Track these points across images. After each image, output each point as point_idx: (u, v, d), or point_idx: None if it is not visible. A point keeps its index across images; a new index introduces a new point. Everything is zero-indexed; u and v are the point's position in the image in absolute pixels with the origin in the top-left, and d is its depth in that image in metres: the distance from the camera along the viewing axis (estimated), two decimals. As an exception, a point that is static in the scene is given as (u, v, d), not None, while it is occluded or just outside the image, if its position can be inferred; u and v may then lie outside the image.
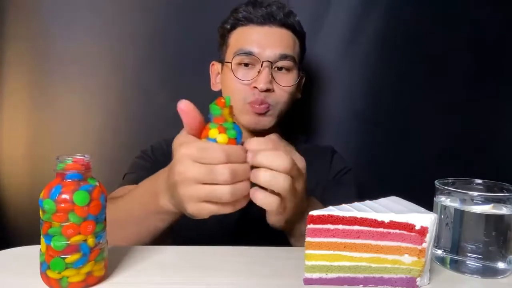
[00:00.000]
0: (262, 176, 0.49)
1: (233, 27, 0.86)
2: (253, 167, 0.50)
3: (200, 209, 0.49)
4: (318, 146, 0.98)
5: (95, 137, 1.12)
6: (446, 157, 1.10)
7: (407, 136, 1.11)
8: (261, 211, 0.59)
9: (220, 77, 0.90)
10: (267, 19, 0.82)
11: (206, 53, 1.07)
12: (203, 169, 0.47)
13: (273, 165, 0.49)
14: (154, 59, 1.10)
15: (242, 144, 0.51)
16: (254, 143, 0.51)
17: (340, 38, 1.08)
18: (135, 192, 0.62)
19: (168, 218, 0.58)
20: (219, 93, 0.90)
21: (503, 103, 1.12)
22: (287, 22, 0.84)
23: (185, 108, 0.49)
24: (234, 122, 0.51)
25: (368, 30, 1.08)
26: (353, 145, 1.11)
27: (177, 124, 1.00)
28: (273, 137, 0.54)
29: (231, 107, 0.51)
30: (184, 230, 0.81)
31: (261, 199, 0.50)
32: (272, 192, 0.50)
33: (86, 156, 0.47)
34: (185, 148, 0.49)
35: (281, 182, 0.49)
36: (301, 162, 0.54)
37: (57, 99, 1.10)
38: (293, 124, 0.96)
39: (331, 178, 0.88)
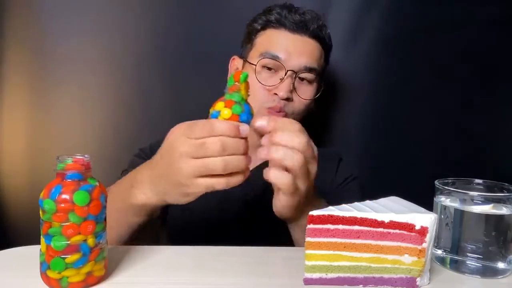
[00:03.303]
0: (274, 152, 0.51)
1: (263, 28, 0.84)
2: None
3: (197, 185, 0.51)
4: (325, 151, 0.97)
5: (95, 137, 1.12)
6: (446, 157, 1.10)
7: (408, 136, 1.11)
8: (266, 210, 0.59)
9: None
10: (300, 28, 0.81)
11: (206, 53, 1.08)
12: (193, 143, 0.49)
13: (289, 144, 0.51)
14: (154, 59, 1.10)
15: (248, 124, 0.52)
16: (273, 122, 0.52)
17: (341, 39, 1.08)
18: (116, 187, 0.63)
19: (145, 212, 0.59)
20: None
21: (504, 103, 1.12)
22: (318, 34, 0.83)
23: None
24: (246, 101, 0.53)
25: (369, 31, 1.08)
26: (353, 145, 1.11)
27: (176, 124, 1.00)
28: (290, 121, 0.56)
29: (247, 84, 0.53)
30: (184, 230, 0.81)
31: (273, 175, 0.52)
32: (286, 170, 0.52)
33: (86, 156, 0.47)
34: (176, 127, 0.52)
35: (294, 158, 0.51)
36: (315, 149, 0.56)
37: (57, 99, 1.10)
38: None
39: (336, 185, 0.87)
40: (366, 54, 1.09)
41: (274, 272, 0.52)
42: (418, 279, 0.49)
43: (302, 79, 0.82)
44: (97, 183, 0.47)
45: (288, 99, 0.80)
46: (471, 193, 0.55)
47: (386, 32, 1.08)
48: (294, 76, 0.80)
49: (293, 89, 0.81)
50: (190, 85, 1.09)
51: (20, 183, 1.11)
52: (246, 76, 0.53)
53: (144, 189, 0.56)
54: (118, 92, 1.11)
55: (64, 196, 0.44)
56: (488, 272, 0.53)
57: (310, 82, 0.83)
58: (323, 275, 0.49)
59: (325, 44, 0.85)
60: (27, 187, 1.10)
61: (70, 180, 0.45)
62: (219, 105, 0.51)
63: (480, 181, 0.59)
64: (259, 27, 0.85)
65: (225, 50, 0.93)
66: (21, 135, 1.11)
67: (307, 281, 0.49)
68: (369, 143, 1.12)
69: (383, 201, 0.53)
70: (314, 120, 1.10)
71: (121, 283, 0.48)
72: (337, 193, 0.86)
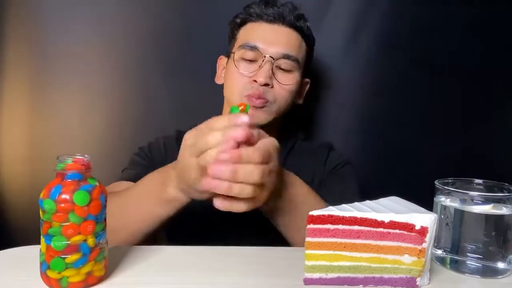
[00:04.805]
0: (231, 189, 0.49)
1: (243, 22, 0.88)
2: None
3: (201, 185, 0.50)
4: (315, 143, 0.98)
5: (95, 137, 1.12)
6: (446, 157, 1.10)
7: (407, 136, 1.11)
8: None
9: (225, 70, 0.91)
10: (277, 19, 0.84)
11: (206, 53, 1.07)
12: (194, 133, 0.52)
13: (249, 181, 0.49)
14: (154, 59, 1.10)
15: None
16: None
17: (341, 38, 1.08)
18: (142, 184, 0.64)
19: (175, 205, 0.60)
20: (221, 86, 0.90)
21: (504, 104, 1.12)
22: (295, 24, 0.85)
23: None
24: None
25: (369, 30, 1.08)
26: (353, 144, 1.11)
27: (177, 124, 1.00)
28: None
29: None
30: (183, 229, 0.81)
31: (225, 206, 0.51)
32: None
33: (86, 156, 0.47)
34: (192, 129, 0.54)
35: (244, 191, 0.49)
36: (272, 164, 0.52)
37: (57, 99, 1.10)
38: (292, 122, 0.96)
39: (327, 171, 0.88)
40: (366, 54, 1.09)
41: (274, 272, 0.52)
42: (418, 279, 0.49)
43: (282, 69, 0.84)
44: (97, 183, 0.47)
45: (267, 85, 0.81)
46: (471, 193, 0.55)
47: (386, 32, 1.08)
48: (272, 62, 0.81)
49: (272, 76, 0.82)
50: (190, 84, 1.09)
51: (20, 183, 1.11)
52: (248, 107, 0.60)
53: (173, 186, 0.58)
54: (118, 92, 1.11)
55: (64, 196, 0.44)
56: (488, 272, 0.53)
57: (289, 70, 0.84)
58: (323, 275, 0.49)
59: (304, 34, 0.87)
60: (27, 187, 1.10)
61: (70, 180, 0.45)
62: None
63: (480, 181, 0.59)
64: (239, 21, 0.88)
65: (226, 50, 0.93)
66: (21, 135, 1.11)
67: (307, 281, 0.49)
68: (369, 142, 1.12)
69: (383, 201, 0.53)
70: (314, 120, 1.11)
71: (121, 283, 0.48)
72: (329, 179, 0.86)
